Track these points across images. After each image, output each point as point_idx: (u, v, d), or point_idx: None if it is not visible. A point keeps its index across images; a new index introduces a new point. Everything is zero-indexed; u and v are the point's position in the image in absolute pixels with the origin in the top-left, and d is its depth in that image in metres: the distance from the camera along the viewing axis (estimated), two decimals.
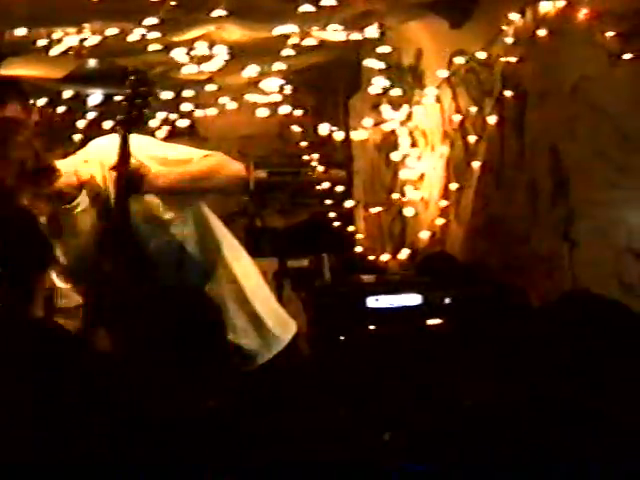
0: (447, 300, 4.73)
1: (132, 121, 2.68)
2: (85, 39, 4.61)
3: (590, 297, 3.42)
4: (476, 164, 5.15)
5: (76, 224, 2.85)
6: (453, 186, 5.35)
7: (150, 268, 2.83)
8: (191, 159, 2.84)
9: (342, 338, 4.64)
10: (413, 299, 4.66)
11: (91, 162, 2.81)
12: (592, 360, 2.72)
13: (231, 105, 6.17)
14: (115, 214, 2.73)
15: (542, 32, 4.52)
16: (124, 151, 2.65)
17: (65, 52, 4.69)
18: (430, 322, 4.60)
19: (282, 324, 3.04)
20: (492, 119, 4.97)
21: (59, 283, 2.94)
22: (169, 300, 2.82)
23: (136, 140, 2.73)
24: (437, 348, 4.28)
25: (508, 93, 4.83)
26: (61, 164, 2.78)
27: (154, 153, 2.80)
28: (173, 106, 6.25)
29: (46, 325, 3.09)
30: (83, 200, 2.83)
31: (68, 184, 2.79)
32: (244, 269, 3.00)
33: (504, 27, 4.75)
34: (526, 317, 4.00)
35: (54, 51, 4.66)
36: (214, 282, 2.92)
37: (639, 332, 2.53)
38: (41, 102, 5.65)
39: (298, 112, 6.08)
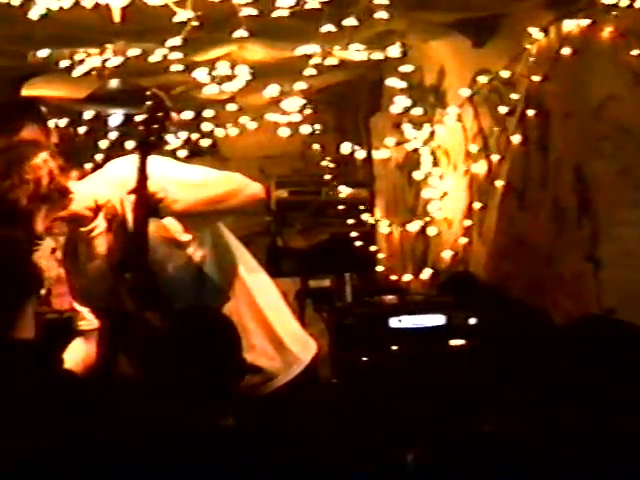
0: (471, 321, 4.68)
1: (150, 145, 2.66)
2: (107, 60, 4.62)
3: (607, 321, 3.38)
4: (499, 183, 5.11)
5: (93, 247, 2.83)
6: (476, 205, 5.32)
7: (168, 290, 2.78)
8: (209, 181, 2.81)
9: (364, 359, 4.60)
10: (436, 319, 4.62)
11: (109, 184, 2.79)
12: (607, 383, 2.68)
13: (252, 125, 6.17)
14: (133, 238, 2.71)
15: (566, 51, 4.50)
16: (142, 174, 2.63)
17: (87, 73, 4.70)
18: (453, 342, 4.56)
19: (302, 344, 2.99)
20: (516, 138, 4.94)
21: (76, 306, 2.92)
22: (186, 322, 2.82)
23: (154, 162, 2.72)
24: (460, 369, 4.23)
25: (531, 112, 4.80)
26: (78, 186, 2.76)
27: (172, 175, 2.77)
28: (194, 126, 6.27)
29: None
30: (100, 223, 2.80)
31: (86, 207, 2.76)
32: (262, 289, 2.96)
33: (527, 46, 4.72)
34: (548, 339, 3.95)
35: (76, 72, 4.67)
36: (232, 302, 2.88)
37: None
38: (63, 122, 5.69)
39: (319, 131, 6.07)
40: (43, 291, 3.37)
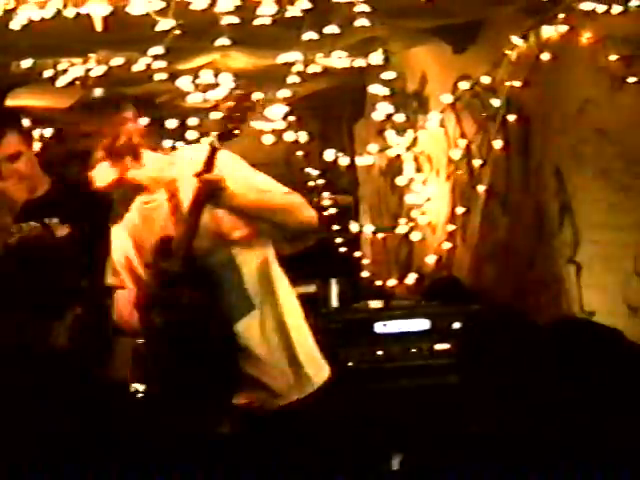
0: (455, 325, 4.70)
1: (227, 133, 2.78)
2: (91, 69, 4.63)
3: (583, 324, 3.41)
4: (482, 188, 5.15)
5: (143, 219, 2.93)
6: (459, 210, 5.35)
7: (201, 283, 2.86)
8: (273, 190, 2.91)
9: (350, 364, 4.62)
10: (421, 324, 4.65)
11: (178, 165, 2.90)
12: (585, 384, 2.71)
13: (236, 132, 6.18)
14: (185, 221, 2.79)
15: (545, 56, 4.54)
16: (211, 159, 2.74)
17: (71, 83, 4.71)
18: (438, 347, 4.58)
19: (317, 367, 3.03)
20: (497, 143, 4.98)
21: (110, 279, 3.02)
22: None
23: (228, 155, 2.86)
24: (444, 372, 4.25)
25: (512, 117, 4.84)
26: (151, 156, 2.87)
27: (241, 173, 2.89)
28: (179, 134, 6.27)
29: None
30: (159, 199, 2.89)
31: (151, 177, 2.88)
32: (292, 309, 3.01)
33: (507, 51, 4.76)
34: (529, 341, 3.98)
35: (60, 82, 4.68)
36: (260, 314, 2.94)
37: (634, 360, 2.53)
38: (47, 132, 5.69)
39: (303, 138, 6.09)
40: None
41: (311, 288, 5.49)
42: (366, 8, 3.86)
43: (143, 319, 2.90)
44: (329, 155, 6.02)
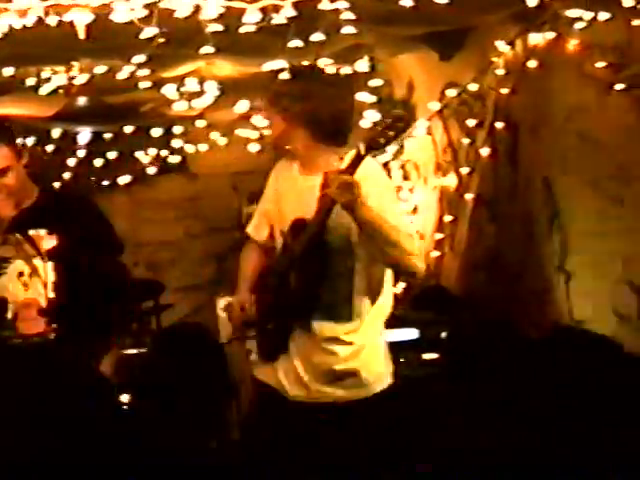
0: (444, 334, 4.67)
1: (374, 145, 2.84)
2: (74, 77, 4.58)
3: (577, 332, 3.37)
4: (470, 196, 5.12)
5: (298, 193, 3.10)
6: (447, 219, 5.32)
7: (314, 273, 3.02)
8: (400, 222, 3.03)
9: None
10: (409, 333, 4.61)
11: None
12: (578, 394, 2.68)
13: (223, 140, 6.15)
14: (319, 212, 2.94)
15: (532, 63, 4.52)
16: (354, 164, 2.84)
17: (54, 91, 4.66)
18: (426, 356, 4.54)
19: (378, 376, 3.12)
20: (485, 151, 4.95)
21: None
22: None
23: (375, 170, 3.02)
24: (433, 382, 4.21)
25: (500, 125, 4.82)
26: None
27: (382, 189, 3.01)
28: (164, 142, 6.24)
29: None
30: (316, 182, 2.99)
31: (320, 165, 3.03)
32: (381, 320, 3.16)
33: (494, 59, 4.74)
34: (520, 350, 3.94)
35: (43, 90, 4.63)
36: (360, 324, 3.07)
37: (626, 367, 2.50)
38: (30, 141, 5.65)
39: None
40: (9, 315, 3.33)
41: None
42: (352, 15, 3.82)
43: (261, 270, 3.20)
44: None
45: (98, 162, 6.18)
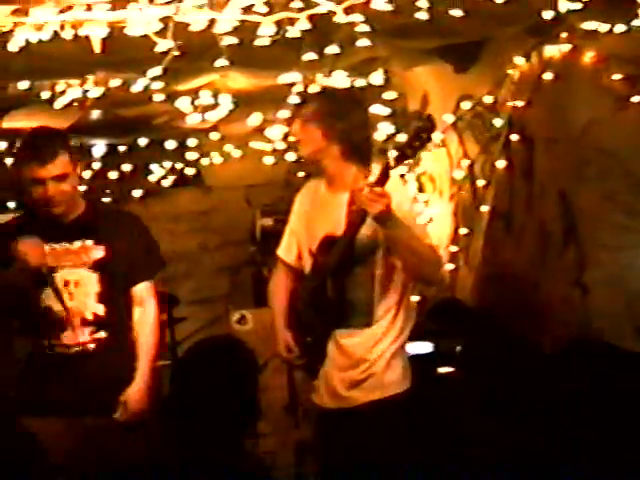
0: (458, 348, 4.64)
1: (402, 157, 2.96)
2: (88, 90, 4.59)
3: (599, 345, 3.34)
4: (485, 209, 5.10)
5: (325, 212, 3.26)
6: (462, 231, 5.30)
7: (343, 283, 3.16)
8: (422, 238, 3.15)
9: None
10: (424, 347, 4.59)
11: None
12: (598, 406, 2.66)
13: (237, 153, 6.15)
14: (349, 225, 3.07)
15: (548, 76, 4.50)
16: (383, 176, 2.95)
17: (69, 104, 4.67)
18: (441, 370, 4.52)
19: (395, 383, 3.24)
20: (500, 164, 4.93)
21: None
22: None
23: (400, 184, 3.18)
24: (448, 396, 4.18)
25: (515, 137, 4.79)
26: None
27: (405, 202, 3.14)
28: (178, 155, 6.25)
29: None
30: (343, 199, 3.17)
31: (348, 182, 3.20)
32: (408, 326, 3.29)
33: (510, 71, 4.73)
34: (536, 365, 3.92)
35: (58, 104, 4.64)
36: (380, 329, 3.21)
37: None
38: None
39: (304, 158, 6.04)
40: (53, 323, 3.34)
41: None
42: (367, 28, 3.81)
43: (293, 300, 3.33)
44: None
45: (113, 175, 6.19)
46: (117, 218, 3.51)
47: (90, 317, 3.34)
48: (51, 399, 3.29)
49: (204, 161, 6.35)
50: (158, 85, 4.40)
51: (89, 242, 3.37)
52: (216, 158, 6.25)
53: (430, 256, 3.14)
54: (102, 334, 3.34)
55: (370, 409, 3.19)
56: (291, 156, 5.90)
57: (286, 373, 4.80)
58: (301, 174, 6.24)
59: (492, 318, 4.82)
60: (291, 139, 5.81)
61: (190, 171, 6.45)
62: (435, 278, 3.25)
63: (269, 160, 5.98)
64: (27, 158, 3.32)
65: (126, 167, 6.21)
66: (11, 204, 6.01)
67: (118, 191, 6.21)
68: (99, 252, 3.36)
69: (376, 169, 3.04)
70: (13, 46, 3.61)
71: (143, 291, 3.45)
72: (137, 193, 6.40)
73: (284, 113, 5.24)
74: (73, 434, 3.26)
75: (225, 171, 6.37)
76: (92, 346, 3.33)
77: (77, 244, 3.36)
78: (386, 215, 2.96)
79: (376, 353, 3.21)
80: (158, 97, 4.82)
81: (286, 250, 3.45)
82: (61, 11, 3.56)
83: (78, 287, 3.35)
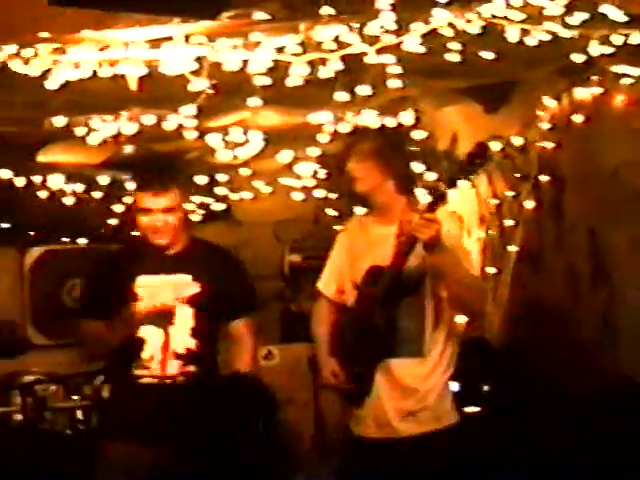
0: (485, 388, 4.63)
1: (454, 181, 3.01)
2: (122, 126, 4.65)
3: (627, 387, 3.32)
4: (513, 248, 5.09)
5: (371, 244, 3.34)
6: (490, 270, 5.29)
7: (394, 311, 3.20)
8: (468, 268, 3.23)
9: None
10: (451, 386, 4.57)
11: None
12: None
13: (266, 189, 6.19)
14: (399, 253, 3.10)
15: (578, 118, 4.51)
16: (435, 203, 3.01)
17: (103, 140, 4.73)
18: (467, 410, 4.49)
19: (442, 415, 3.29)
20: (529, 204, 4.94)
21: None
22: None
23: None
24: (474, 436, 4.17)
25: (545, 178, 4.80)
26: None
27: (455, 231, 3.26)
28: (208, 190, 6.29)
29: None
30: (391, 231, 3.25)
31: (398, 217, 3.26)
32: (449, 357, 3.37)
33: (540, 113, 4.74)
34: (564, 406, 3.89)
35: (92, 139, 4.70)
36: (436, 360, 3.28)
37: None
38: (79, 188, 5.72)
39: (333, 196, 6.08)
40: (146, 355, 3.39)
41: None
42: (398, 69, 3.85)
43: (336, 330, 3.37)
44: (359, 212, 5.99)
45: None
46: (216, 255, 3.56)
47: (182, 351, 3.38)
48: (134, 427, 3.32)
49: (233, 196, 6.39)
50: (191, 122, 4.46)
51: (187, 277, 3.41)
52: (246, 194, 6.30)
53: (475, 286, 3.21)
54: (191, 368, 3.37)
55: (423, 441, 3.23)
56: (320, 193, 5.94)
57: (313, 407, 4.81)
58: (329, 211, 6.29)
59: (520, 359, 4.80)
60: (320, 175, 5.87)
61: (219, 206, 6.50)
62: (478, 309, 3.33)
63: (298, 196, 6.01)
64: (140, 188, 3.44)
65: None
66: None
67: None
68: (195, 288, 3.41)
69: (426, 197, 3.12)
70: (52, 84, 3.68)
71: (240, 327, 3.49)
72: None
73: (314, 150, 5.29)
74: (151, 461, 3.28)
75: (254, 206, 6.41)
76: (181, 379, 3.36)
77: (175, 278, 3.41)
78: (435, 242, 3.00)
79: (429, 384, 3.26)
80: (190, 133, 4.88)
81: (326, 284, 3.52)
82: (99, 49, 3.63)
83: (173, 321, 3.39)
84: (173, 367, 3.37)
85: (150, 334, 3.36)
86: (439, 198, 3.02)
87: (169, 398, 3.32)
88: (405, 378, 3.25)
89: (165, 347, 3.36)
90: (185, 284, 3.40)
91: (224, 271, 3.48)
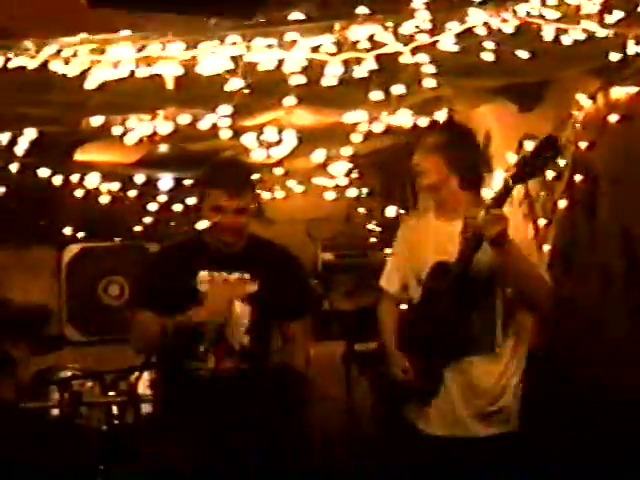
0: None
1: (522, 176, 2.97)
2: (158, 126, 4.70)
3: None
4: (546, 248, 5.08)
5: (437, 241, 3.34)
6: None
7: (464, 304, 3.17)
8: (533, 263, 3.18)
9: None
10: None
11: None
12: None
13: (299, 188, 6.22)
14: (466, 246, 3.07)
15: (614, 117, 4.50)
16: (503, 197, 2.98)
17: (139, 139, 4.78)
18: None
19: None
20: (562, 203, 4.92)
21: None
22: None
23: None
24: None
25: (579, 177, 4.79)
26: None
27: (521, 231, 3.20)
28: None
29: None
30: (456, 227, 3.21)
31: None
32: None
33: (574, 112, 4.73)
34: (599, 411, 3.87)
35: (128, 139, 4.75)
36: (502, 365, 3.28)
37: None
38: (115, 186, 5.79)
39: (365, 194, 6.10)
40: (202, 348, 3.44)
41: (371, 345, 5.45)
42: (432, 68, 3.86)
43: (403, 326, 3.37)
44: (391, 211, 6.02)
45: (177, 207, 6.29)
46: (275, 254, 3.62)
47: (237, 347, 3.43)
48: (183, 422, 3.37)
49: (265, 195, 6.42)
50: (226, 121, 4.49)
51: (246, 275, 3.46)
52: (278, 192, 6.33)
53: (541, 283, 3.14)
54: (245, 365, 3.42)
55: (493, 442, 3.22)
56: (353, 192, 5.96)
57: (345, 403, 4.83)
58: (361, 210, 6.31)
59: (554, 360, 4.79)
60: (353, 175, 5.89)
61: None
62: (544, 305, 3.23)
63: (331, 195, 6.03)
64: (215, 186, 3.46)
65: (191, 200, 6.31)
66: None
67: (183, 224, 6.31)
68: (254, 286, 3.46)
69: (492, 192, 3.11)
70: (90, 84, 3.73)
71: (295, 327, 3.56)
72: (201, 226, 6.46)
73: (347, 150, 5.30)
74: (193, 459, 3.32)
75: (287, 205, 6.44)
76: (235, 375, 3.42)
77: (235, 275, 3.46)
78: (502, 238, 2.96)
79: (502, 385, 3.23)
80: (225, 133, 4.92)
81: (389, 281, 3.53)
82: (138, 50, 3.67)
83: (231, 318, 3.43)
84: (227, 363, 3.41)
85: (207, 329, 3.39)
86: (506, 193, 2.98)
87: (222, 393, 3.35)
88: (477, 377, 3.22)
89: (221, 343, 3.39)
90: (244, 282, 3.44)
91: (281, 270, 3.53)
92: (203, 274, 3.44)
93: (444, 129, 3.53)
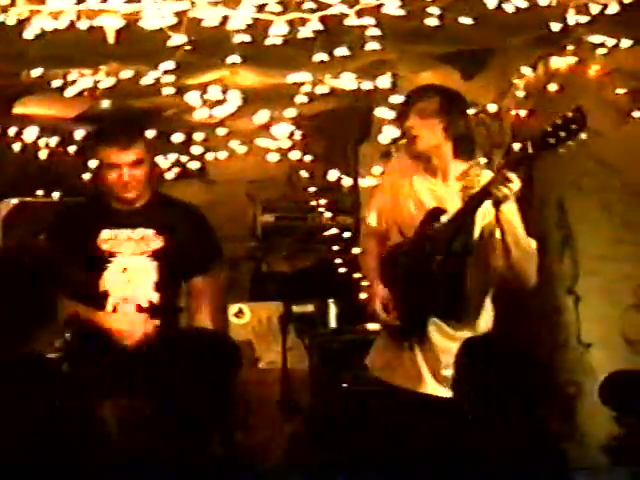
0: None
1: (544, 145, 3.00)
2: (99, 81, 4.64)
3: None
4: None
5: (431, 192, 3.33)
6: None
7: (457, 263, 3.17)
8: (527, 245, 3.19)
9: (344, 386, 4.61)
10: None
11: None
12: None
13: (241, 149, 6.20)
14: (469, 202, 3.07)
15: (553, 87, 4.56)
16: (519, 161, 3.08)
17: (79, 93, 4.72)
18: None
19: None
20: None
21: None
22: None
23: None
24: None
25: (517, 146, 4.85)
26: None
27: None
28: (184, 148, 6.29)
29: None
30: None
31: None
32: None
33: (515, 80, 4.78)
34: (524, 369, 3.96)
35: (69, 92, 4.69)
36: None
37: None
38: (53, 141, 5.70)
39: (307, 158, 6.11)
40: (108, 308, 3.42)
41: (309, 308, 5.50)
42: (377, 32, 3.87)
43: (387, 266, 3.30)
44: (333, 175, 6.03)
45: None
46: (178, 209, 3.58)
47: (145, 304, 3.41)
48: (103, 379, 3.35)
49: (209, 155, 6.39)
50: (168, 78, 4.45)
51: (150, 231, 3.44)
52: (221, 153, 6.30)
53: (531, 252, 3.16)
54: (155, 321, 3.41)
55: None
56: (295, 154, 5.95)
57: (280, 367, 4.86)
58: (303, 173, 6.31)
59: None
60: (296, 137, 5.89)
61: (194, 165, 6.50)
62: (532, 277, 3.21)
63: (273, 157, 6.03)
64: (105, 143, 3.41)
65: None
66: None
67: None
68: (158, 242, 3.43)
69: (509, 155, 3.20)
70: (29, 34, 3.67)
71: (199, 284, 3.51)
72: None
73: (291, 112, 5.29)
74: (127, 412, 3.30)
75: (230, 166, 6.41)
76: (144, 332, 3.39)
77: (139, 232, 3.43)
78: (507, 200, 3.00)
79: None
80: (168, 90, 4.87)
81: (372, 216, 3.52)
82: (78, 1, 3.62)
83: (136, 274, 3.40)
84: (137, 319, 3.40)
85: (113, 286, 3.38)
86: (522, 158, 3.00)
87: (134, 350, 3.35)
88: (450, 338, 3.19)
89: (128, 299, 3.39)
90: (148, 238, 3.42)
91: (186, 226, 3.50)
92: (106, 232, 3.41)
93: (440, 94, 3.45)
